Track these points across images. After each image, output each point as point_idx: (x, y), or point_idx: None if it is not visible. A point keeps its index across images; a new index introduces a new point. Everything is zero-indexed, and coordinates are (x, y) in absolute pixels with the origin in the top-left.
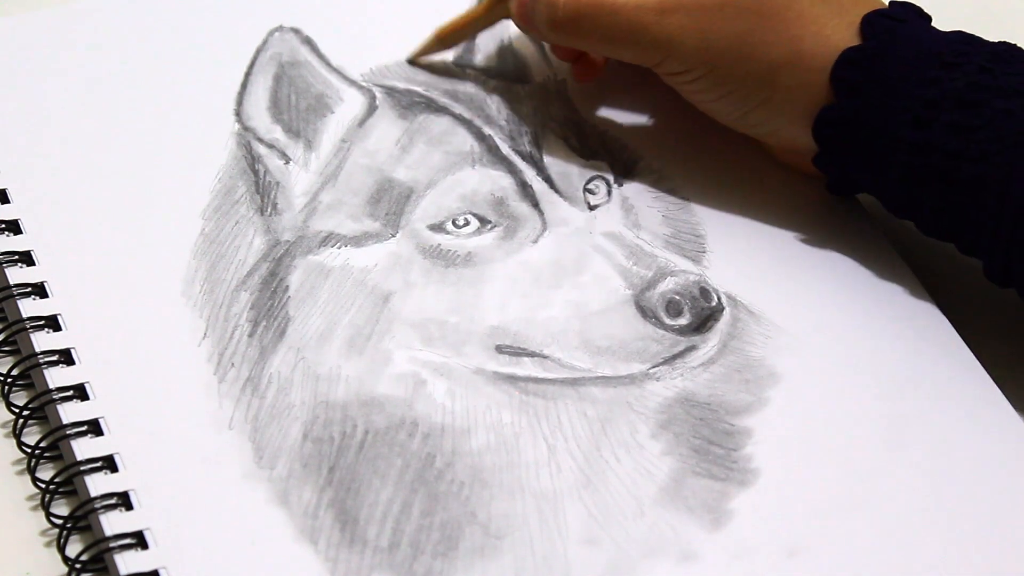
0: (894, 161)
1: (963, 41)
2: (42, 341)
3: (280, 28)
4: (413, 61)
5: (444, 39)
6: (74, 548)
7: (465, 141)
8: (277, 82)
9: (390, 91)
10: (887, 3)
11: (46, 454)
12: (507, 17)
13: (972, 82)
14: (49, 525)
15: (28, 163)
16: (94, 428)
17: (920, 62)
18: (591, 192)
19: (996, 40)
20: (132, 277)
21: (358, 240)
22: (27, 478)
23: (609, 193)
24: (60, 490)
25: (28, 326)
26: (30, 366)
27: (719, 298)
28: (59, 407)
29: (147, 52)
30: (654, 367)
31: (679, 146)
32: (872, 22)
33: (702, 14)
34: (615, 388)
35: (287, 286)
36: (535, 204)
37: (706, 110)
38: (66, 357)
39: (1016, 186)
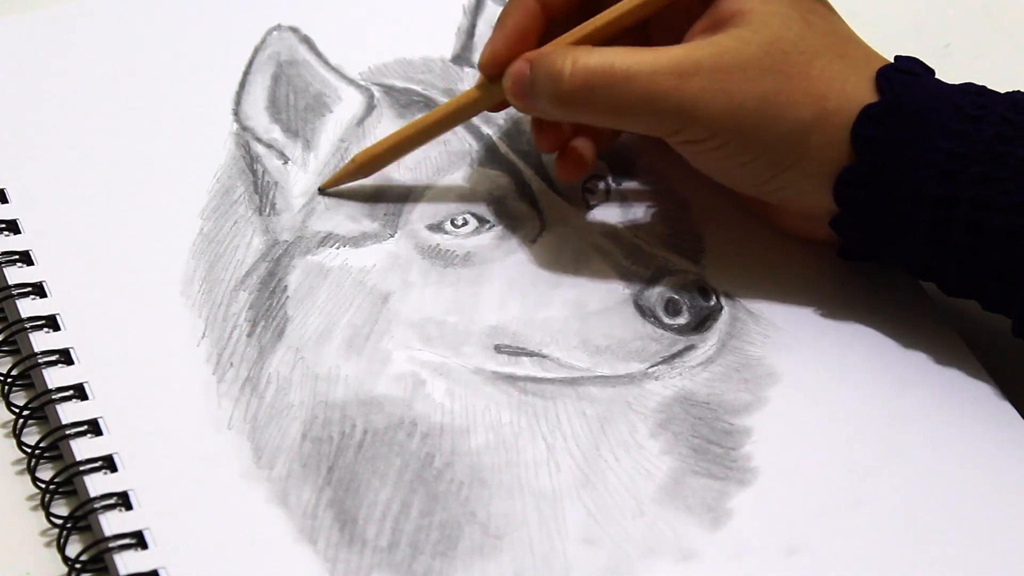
0: (919, 217)
1: (978, 93)
2: (41, 341)
3: (278, 27)
4: (324, 191)
5: (364, 167)
6: (74, 548)
7: (463, 140)
8: (275, 81)
9: (388, 90)
10: (892, 58)
11: (46, 454)
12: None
13: (997, 133)
14: (49, 525)
15: (27, 163)
16: (93, 428)
17: (941, 115)
18: (590, 191)
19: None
20: (131, 277)
21: (357, 240)
22: (27, 478)
23: (608, 192)
24: (60, 490)
25: (27, 326)
26: (30, 366)
27: (718, 297)
28: (58, 407)
29: (145, 52)
30: (653, 366)
31: None
32: (887, 76)
33: (724, 75)
34: (614, 387)
35: (286, 286)
36: (534, 203)
37: (724, 178)
38: (65, 357)
39: None
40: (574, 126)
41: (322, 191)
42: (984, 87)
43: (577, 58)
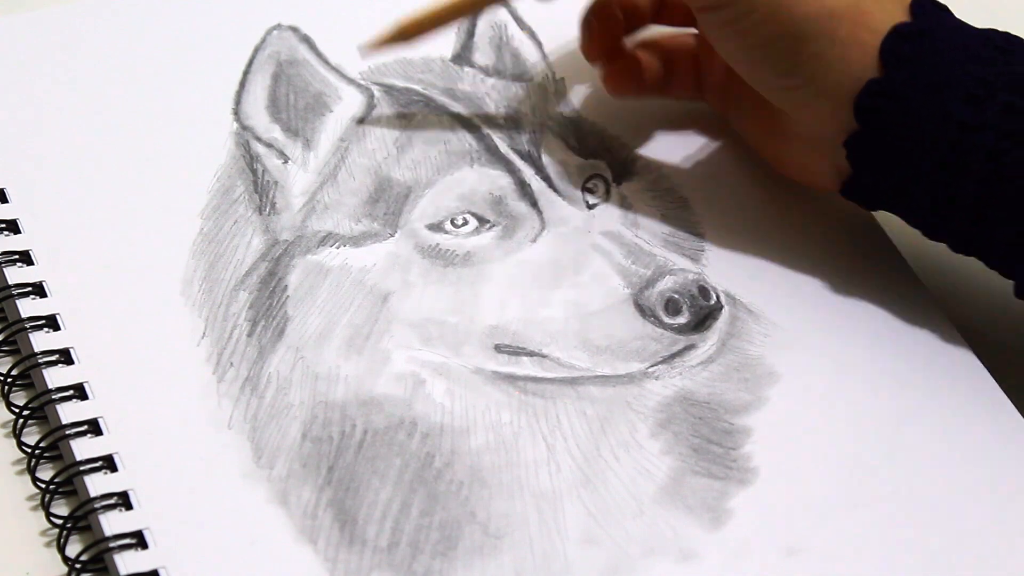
0: (941, 139)
1: (1007, 33)
2: (41, 341)
3: (278, 26)
4: (369, 49)
5: (405, 30)
6: (74, 548)
7: (463, 140)
8: (275, 81)
9: (388, 89)
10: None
11: (46, 454)
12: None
13: None
14: (49, 525)
15: (27, 162)
16: (93, 428)
17: (972, 44)
18: (590, 191)
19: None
20: (131, 276)
21: (357, 240)
22: (27, 478)
23: (608, 192)
24: (60, 490)
25: (27, 326)
26: (30, 366)
27: (718, 297)
28: (58, 407)
29: (146, 52)
30: (653, 366)
31: (678, 145)
32: (922, 4)
33: None
34: (614, 387)
35: (286, 286)
36: (534, 203)
37: (742, 60)
38: (65, 357)
39: None
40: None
41: (362, 49)
42: (1012, 33)
43: None
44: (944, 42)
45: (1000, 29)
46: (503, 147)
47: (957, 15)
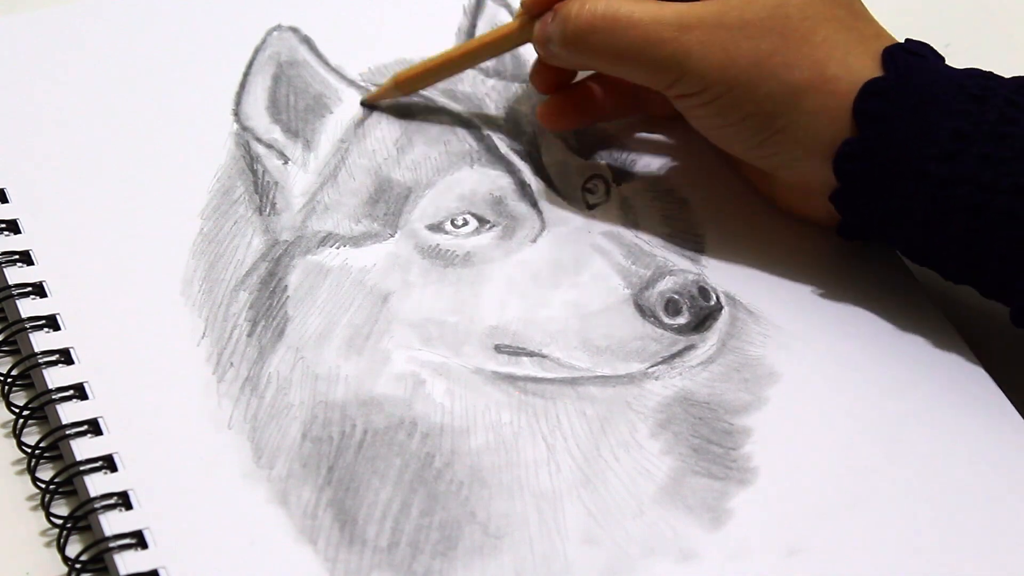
0: (920, 195)
1: (983, 76)
2: (41, 341)
3: (278, 27)
4: (367, 103)
5: (402, 84)
6: (74, 548)
7: (463, 141)
8: (276, 82)
9: None
10: (902, 40)
11: (46, 454)
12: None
13: (1002, 114)
14: (49, 525)
15: (27, 162)
16: (93, 428)
17: (945, 94)
18: (590, 191)
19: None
20: (131, 277)
21: (357, 240)
22: (27, 478)
23: (608, 192)
24: (60, 490)
25: (27, 326)
26: (30, 366)
27: (718, 297)
28: (59, 407)
29: (146, 52)
30: (653, 366)
31: (678, 145)
32: (893, 54)
33: (724, 32)
34: (614, 387)
35: (286, 286)
36: (534, 203)
37: (717, 137)
38: (65, 357)
39: None
40: (571, 76)
41: (363, 104)
42: (989, 72)
43: (585, 2)
44: (916, 96)
45: (980, 68)
46: (503, 147)
47: (954, 16)
